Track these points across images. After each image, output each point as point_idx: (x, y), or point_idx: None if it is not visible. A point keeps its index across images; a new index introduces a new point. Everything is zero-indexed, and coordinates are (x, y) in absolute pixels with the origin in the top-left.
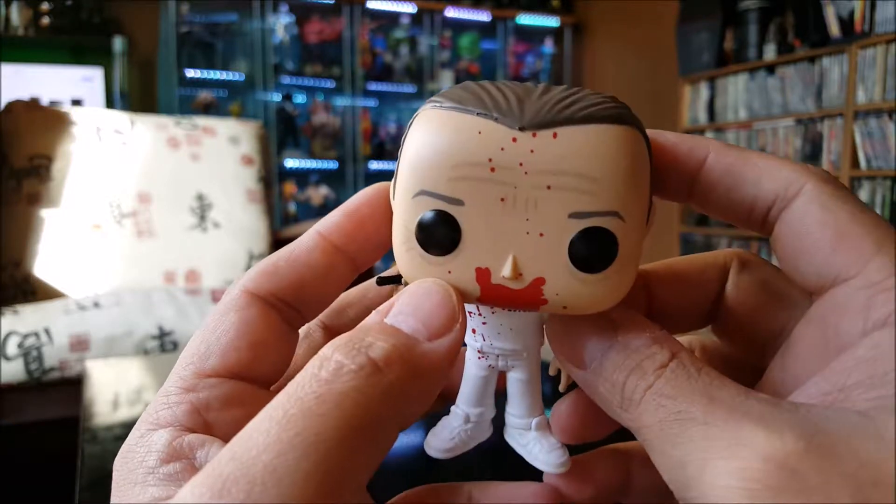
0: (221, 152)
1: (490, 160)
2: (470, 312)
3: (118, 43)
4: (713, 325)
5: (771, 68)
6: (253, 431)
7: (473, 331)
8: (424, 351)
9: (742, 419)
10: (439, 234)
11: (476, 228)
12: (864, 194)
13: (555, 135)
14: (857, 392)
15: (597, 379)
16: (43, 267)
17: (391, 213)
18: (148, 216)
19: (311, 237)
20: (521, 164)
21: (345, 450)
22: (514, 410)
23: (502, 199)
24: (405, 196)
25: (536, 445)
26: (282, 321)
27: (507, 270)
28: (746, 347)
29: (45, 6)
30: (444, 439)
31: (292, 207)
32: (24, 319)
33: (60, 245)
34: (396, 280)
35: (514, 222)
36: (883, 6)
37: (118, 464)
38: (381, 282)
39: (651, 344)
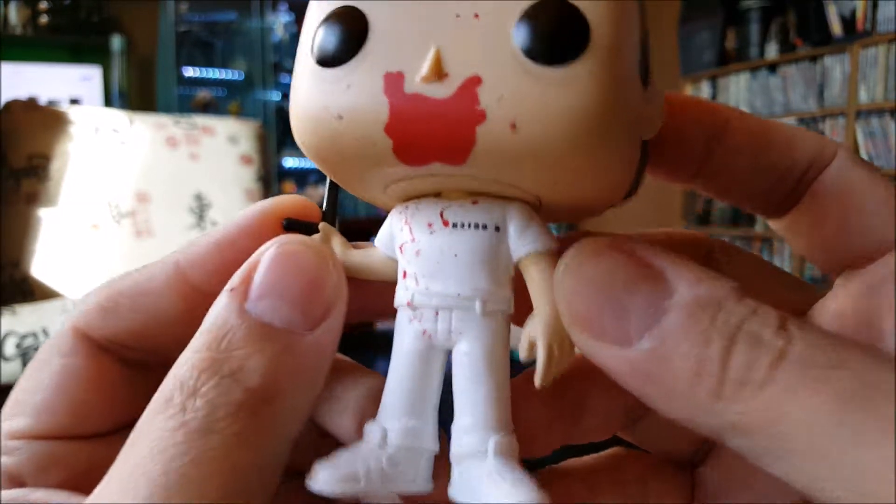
0: (220, 152)
1: None
2: (403, 244)
3: (117, 42)
4: (780, 220)
5: (773, 67)
6: None
7: (405, 274)
8: (306, 349)
9: None
10: (337, 35)
11: (388, 21)
12: None
13: None
14: None
15: (657, 360)
16: (41, 267)
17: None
18: (146, 216)
19: (165, 271)
20: None
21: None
22: (462, 419)
23: None
24: (311, 11)
25: (493, 483)
26: (121, 366)
27: (425, 68)
28: (819, 254)
29: (43, 5)
30: (339, 468)
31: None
32: (23, 320)
33: (59, 245)
34: (308, 228)
35: (438, 6)
36: (885, 5)
37: None
38: (290, 227)
39: (742, 297)
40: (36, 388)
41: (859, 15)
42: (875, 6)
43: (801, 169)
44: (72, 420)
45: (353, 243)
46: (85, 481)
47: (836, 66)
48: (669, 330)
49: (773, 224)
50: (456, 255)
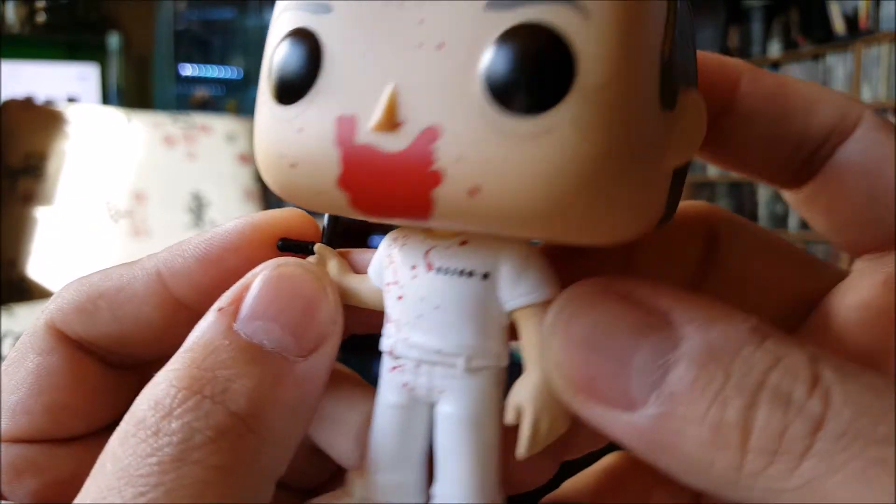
0: (218, 150)
1: None
2: (388, 284)
3: (114, 40)
4: (796, 192)
5: (775, 66)
6: None
7: (388, 318)
8: (298, 377)
9: None
10: (291, 65)
11: (344, 51)
12: None
13: None
14: None
15: (667, 427)
16: (38, 267)
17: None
18: (144, 215)
19: (146, 278)
20: None
21: None
22: (441, 484)
23: None
24: (273, 31)
25: None
26: (100, 366)
27: (376, 114)
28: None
29: (40, 3)
30: None
31: (290, 206)
32: (20, 320)
33: (56, 245)
34: (305, 248)
35: (402, 30)
36: (887, 4)
37: None
38: (285, 247)
39: (762, 339)
40: (11, 387)
41: (862, 13)
42: (878, 5)
43: (821, 136)
44: (49, 422)
45: (347, 251)
46: (63, 488)
47: (838, 65)
48: (677, 389)
49: (788, 196)
50: (437, 307)
